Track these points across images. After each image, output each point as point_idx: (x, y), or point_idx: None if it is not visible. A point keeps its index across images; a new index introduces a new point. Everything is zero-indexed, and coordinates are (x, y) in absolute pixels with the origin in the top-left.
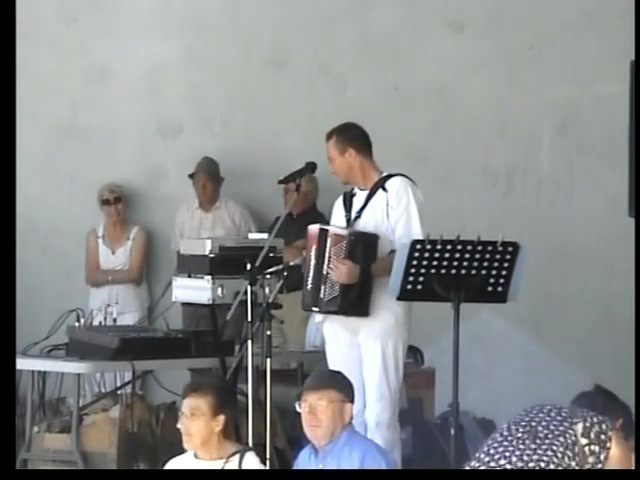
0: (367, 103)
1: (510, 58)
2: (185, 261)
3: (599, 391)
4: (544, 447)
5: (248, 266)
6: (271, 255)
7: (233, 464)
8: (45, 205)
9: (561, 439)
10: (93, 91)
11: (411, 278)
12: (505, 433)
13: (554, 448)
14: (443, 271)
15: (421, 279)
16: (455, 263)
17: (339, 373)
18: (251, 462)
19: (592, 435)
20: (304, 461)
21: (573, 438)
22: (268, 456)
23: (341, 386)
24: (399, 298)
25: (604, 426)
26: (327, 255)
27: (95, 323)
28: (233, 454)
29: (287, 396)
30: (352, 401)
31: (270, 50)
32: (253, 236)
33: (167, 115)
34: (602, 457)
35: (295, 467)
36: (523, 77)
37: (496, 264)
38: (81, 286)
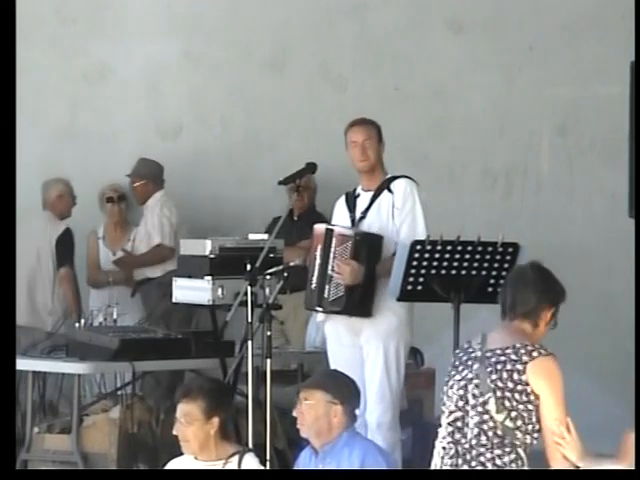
0: (367, 103)
1: (510, 59)
2: (185, 262)
3: (534, 267)
4: (474, 464)
5: (248, 267)
6: (271, 256)
7: (232, 465)
8: None
9: (483, 439)
10: (93, 91)
11: (411, 279)
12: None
13: (482, 459)
14: (443, 272)
15: (421, 280)
16: (455, 264)
17: (339, 374)
18: (250, 463)
19: (507, 403)
20: (304, 462)
21: (491, 424)
22: (268, 457)
23: (332, 387)
24: (399, 299)
25: (520, 387)
26: (332, 255)
27: (95, 324)
28: (232, 455)
29: (287, 397)
30: (350, 403)
31: (270, 50)
32: (253, 236)
33: (167, 115)
34: (530, 406)
35: (295, 468)
36: (523, 78)
37: (496, 265)
38: (81, 287)
